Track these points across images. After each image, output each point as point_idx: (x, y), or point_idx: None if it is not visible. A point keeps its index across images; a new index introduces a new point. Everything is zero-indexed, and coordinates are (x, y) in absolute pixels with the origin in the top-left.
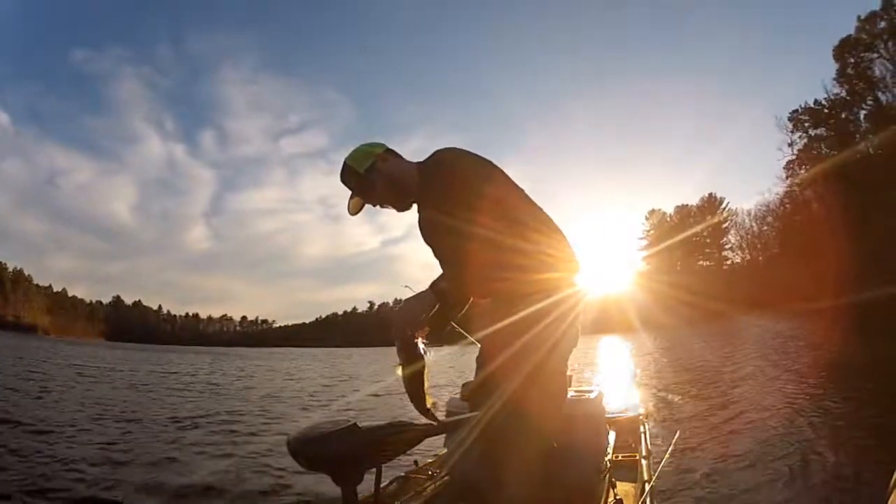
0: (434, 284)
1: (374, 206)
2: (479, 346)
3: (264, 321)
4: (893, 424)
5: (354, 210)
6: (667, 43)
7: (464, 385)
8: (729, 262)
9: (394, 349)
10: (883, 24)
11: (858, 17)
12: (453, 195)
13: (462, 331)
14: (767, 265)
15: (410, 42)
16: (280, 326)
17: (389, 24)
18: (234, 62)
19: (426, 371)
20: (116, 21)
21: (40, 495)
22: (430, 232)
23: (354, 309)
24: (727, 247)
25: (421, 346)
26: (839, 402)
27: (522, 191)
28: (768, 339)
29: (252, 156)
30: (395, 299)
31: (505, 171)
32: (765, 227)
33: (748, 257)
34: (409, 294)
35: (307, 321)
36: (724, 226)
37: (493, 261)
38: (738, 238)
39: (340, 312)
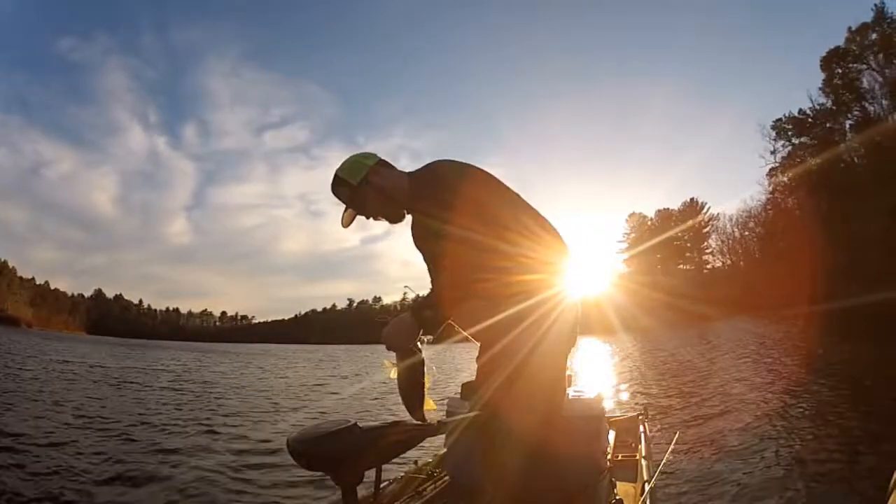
0: (417, 311)
1: (368, 218)
2: (477, 344)
3: (244, 317)
4: (892, 426)
5: (347, 222)
6: (650, 46)
7: (463, 385)
8: (709, 265)
9: (373, 347)
10: (874, 35)
11: (849, 28)
12: (434, 197)
13: (459, 329)
14: (748, 270)
15: (393, 39)
16: (259, 322)
17: (372, 20)
18: (219, 54)
19: (425, 374)
20: (104, 9)
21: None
22: (417, 237)
23: (333, 306)
24: (708, 251)
25: (417, 347)
26: (835, 404)
27: (509, 192)
28: (752, 343)
29: (234, 149)
30: (374, 297)
31: (491, 172)
32: (746, 233)
33: (729, 262)
34: (409, 294)
35: (286, 317)
36: (705, 230)
37: (471, 261)
38: (720, 242)
39: (319, 309)
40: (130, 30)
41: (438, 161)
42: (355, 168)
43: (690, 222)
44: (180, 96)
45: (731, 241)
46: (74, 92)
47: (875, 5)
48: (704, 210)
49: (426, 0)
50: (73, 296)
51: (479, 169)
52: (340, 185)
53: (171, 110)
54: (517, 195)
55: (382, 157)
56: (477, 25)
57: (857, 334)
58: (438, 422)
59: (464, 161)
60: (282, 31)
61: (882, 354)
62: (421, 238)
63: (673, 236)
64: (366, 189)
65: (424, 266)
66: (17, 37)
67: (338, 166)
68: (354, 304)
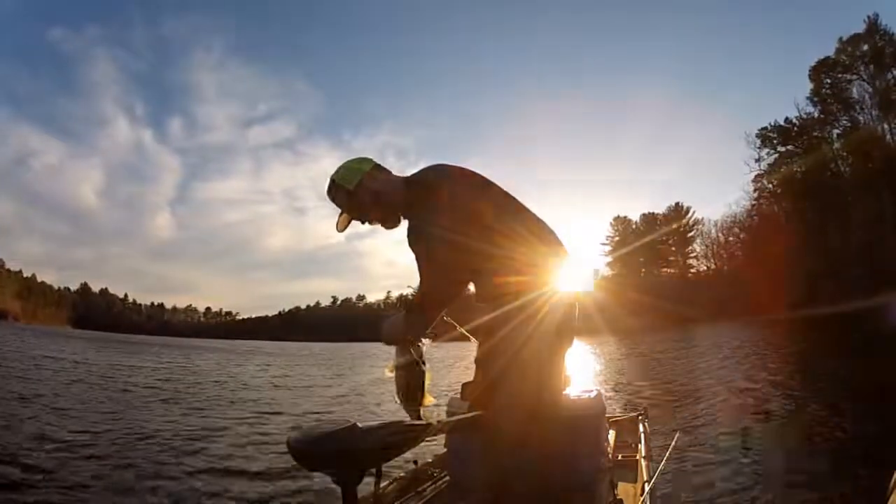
0: (408, 310)
1: (364, 223)
2: (474, 343)
3: (228, 313)
4: (892, 426)
5: (343, 227)
6: (636, 49)
7: (463, 385)
8: (694, 269)
9: (360, 344)
10: (866, 46)
11: (840, 38)
12: (424, 202)
13: (462, 329)
14: (732, 275)
15: (380, 37)
16: (244, 319)
17: (360, 17)
18: (206, 46)
19: (425, 372)
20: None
21: None
22: (410, 239)
23: (318, 303)
24: (692, 255)
25: (419, 346)
26: (832, 406)
27: (499, 195)
28: (739, 347)
29: (219, 144)
30: (358, 295)
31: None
32: (731, 238)
33: (713, 266)
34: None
35: (270, 314)
36: (690, 234)
37: (458, 264)
38: (704, 247)
39: (304, 306)
40: (121, 21)
41: (430, 166)
42: (351, 173)
43: (675, 226)
44: (166, 88)
45: (715, 246)
46: (63, 83)
47: (868, 17)
48: (689, 214)
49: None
50: (59, 289)
51: (468, 172)
52: (336, 190)
53: (157, 103)
54: (509, 197)
55: (378, 162)
56: (464, 25)
57: (844, 340)
58: (438, 421)
59: (456, 165)
60: (269, 26)
61: (871, 360)
62: (413, 241)
63: (657, 240)
64: (362, 194)
65: (410, 265)
66: (8, 26)
67: (333, 171)
68: (339, 302)
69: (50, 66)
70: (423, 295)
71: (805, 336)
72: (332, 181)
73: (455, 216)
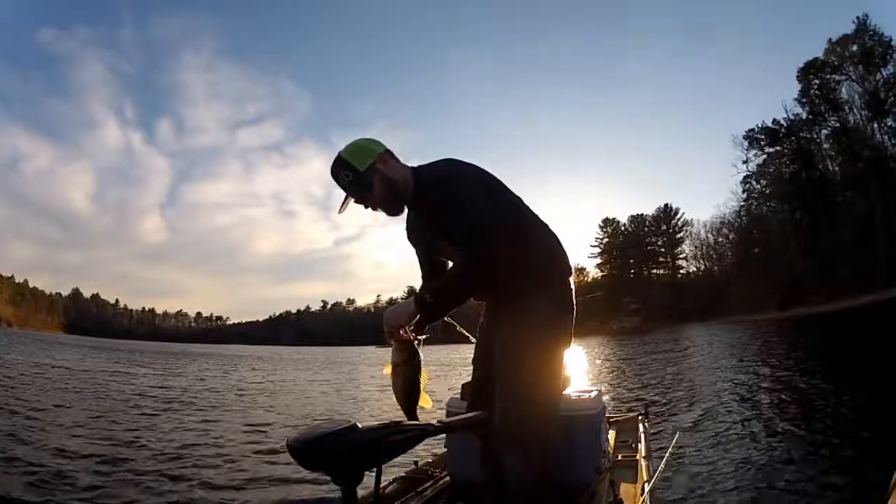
0: (417, 296)
1: (366, 207)
2: (473, 344)
3: (218, 318)
4: (891, 426)
5: (344, 209)
6: (627, 50)
7: (463, 385)
8: (683, 270)
9: (356, 348)
10: (855, 47)
11: (829, 39)
12: (436, 198)
13: (461, 329)
14: (722, 275)
15: (369, 37)
16: (234, 323)
17: (348, 18)
18: (195, 48)
19: (422, 371)
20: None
21: None
22: (413, 232)
23: (308, 308)
24: (682, 256)
25: (415, 345)
26: (832, 406)
27: (506, 195)
28: (733, 346)
29: (208, 146)
30: (348, 299)
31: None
32: (720, 239)
33: (703, 267)
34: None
35: (260, 318)
36: (679, 236)
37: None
38: (693, 248)
39: (293, 310)
40: (110, 22)
41: (441, 160)
42: (363, 153)
43: (664, 227)
44: (156, 90)
45: (704, 247)
46: (53, 85)
47: (857, 17)
48: (678, 216)
49: (403, 1)
50: (51, 294)
51: (476, 170)
52: (344, 169)
53: (146, 105)
54: (513, 197)
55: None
56: (455, 26)
57: (837, 339)
58: (438, 421)
59: (466, 161)
60: (258, 27)
61: (868, 358)
62: (417, 235)
63: (647, 241)
64: (372, 177)
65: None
66: (2, 27)
67: (342, 148)
68: (329, 307)
69: (40, 68)
70: (435, 306)
71: (797, 335)
72: (340, 158)
73: (459, 215)
